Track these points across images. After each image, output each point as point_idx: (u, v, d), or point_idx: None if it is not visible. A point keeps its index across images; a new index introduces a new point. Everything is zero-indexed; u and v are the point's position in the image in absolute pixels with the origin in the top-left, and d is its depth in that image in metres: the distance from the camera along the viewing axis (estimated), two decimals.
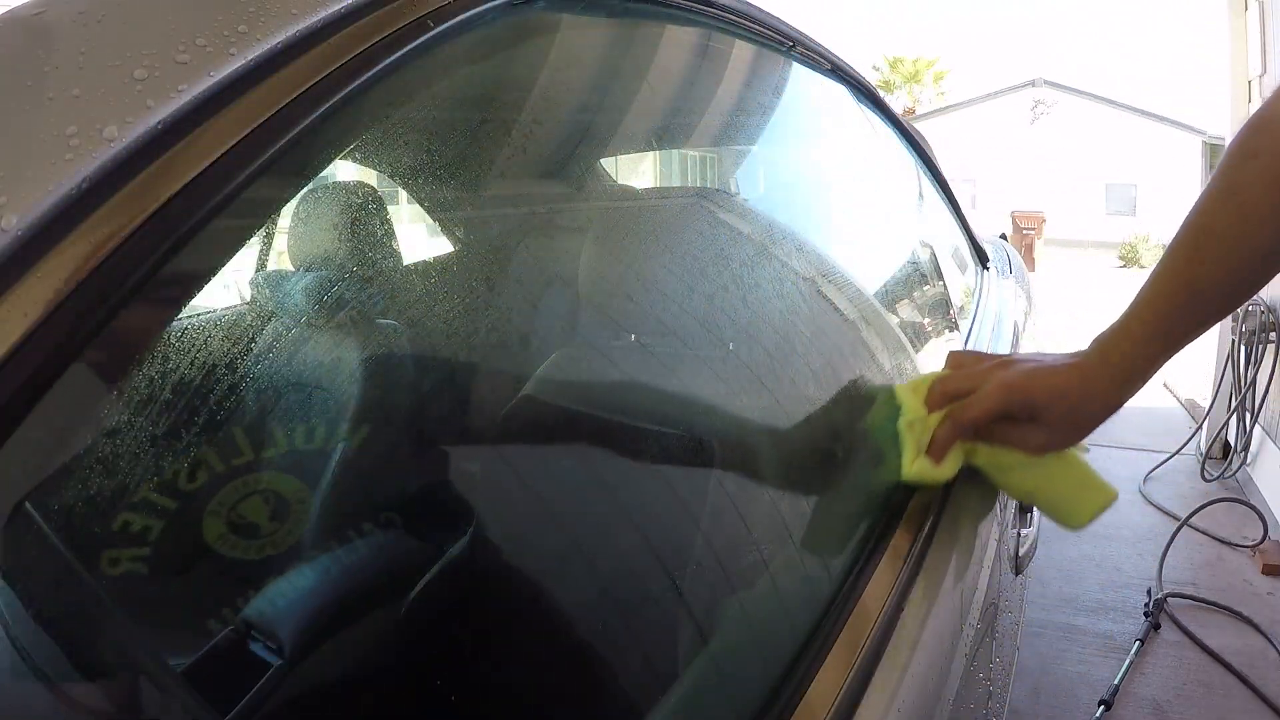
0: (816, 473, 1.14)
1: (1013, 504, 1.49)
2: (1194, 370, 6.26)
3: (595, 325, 1.10)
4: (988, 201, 25.95)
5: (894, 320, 1.57)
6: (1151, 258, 21.37)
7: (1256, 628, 3.15)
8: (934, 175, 2.31)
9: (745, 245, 1.31)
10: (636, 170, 1.53)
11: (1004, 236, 4.01)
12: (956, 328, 1.75)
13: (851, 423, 1.25)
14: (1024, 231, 19.57)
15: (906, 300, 1.66)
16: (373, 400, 0.92)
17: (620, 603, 0.86)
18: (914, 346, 1.57)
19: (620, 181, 1.41)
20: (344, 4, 0.64)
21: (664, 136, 1.44)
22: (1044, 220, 20.17)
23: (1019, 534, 1.46)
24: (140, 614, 0.66)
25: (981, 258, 2.59)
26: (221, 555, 0.75)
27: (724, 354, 1.12)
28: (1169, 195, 24.61)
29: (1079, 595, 3.49)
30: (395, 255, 1.04)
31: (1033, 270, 17.73)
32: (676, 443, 0.98)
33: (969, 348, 1.74)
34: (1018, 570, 1.44)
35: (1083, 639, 3.19)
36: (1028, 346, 2.32)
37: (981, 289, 2.31)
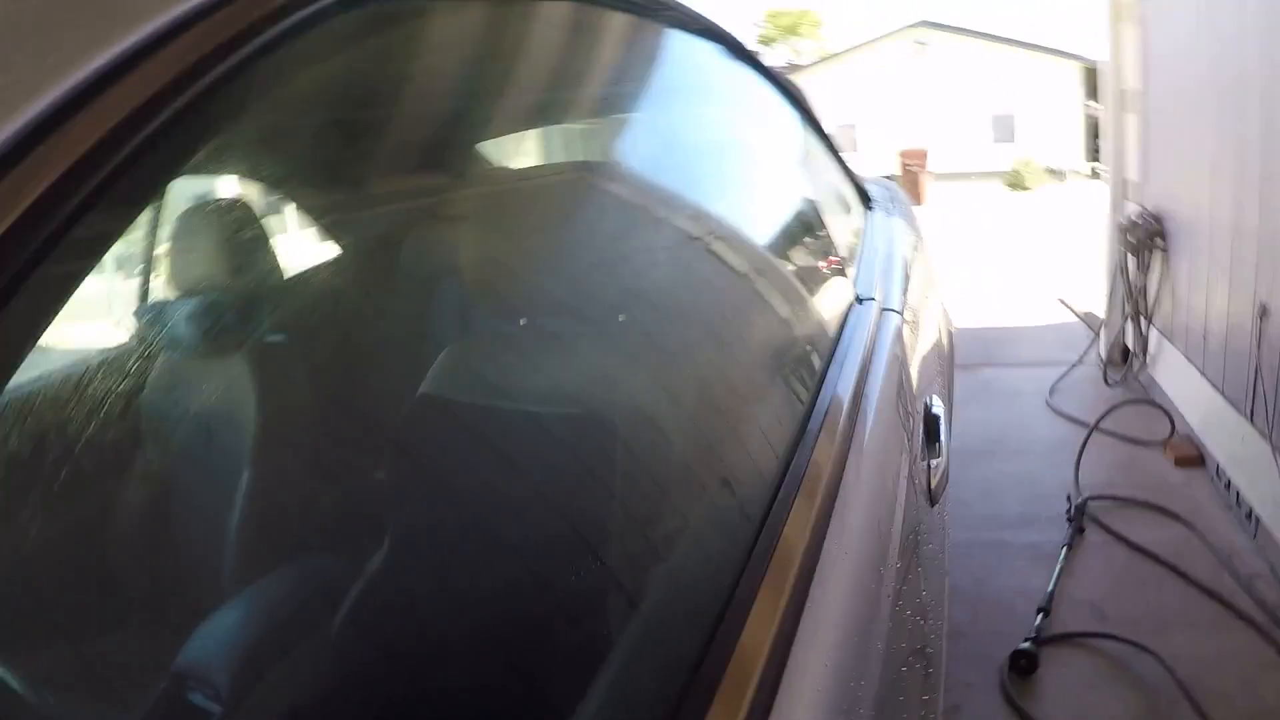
0: (724, 425, 1.15)
1: (919, 435, 1.52)
2: (1084, 286, 6.44)
3: (486, 313, 1.09)
4: (872, 143, 26.26)
5: (783, 270, 1.59)
6: (1035, 180, 21.91)
7: (1177, 517, 3.26)
8: (812, 125, 2.33)
9: (629, 214, 1.30)
10: (514, 152, 1.51)
11: (890, 177, 4.08)
12: (844, 273, 1.78)
13: (751, 374, 1.27)
14: (909, 169, 19.86)
15: (792, 249, 1.68)
16: (273, 421, 0.89)
17: (547, 586, 0.86)
18: (806, 292, 1.59)
19: (497, 165, 1.39)
20: (181, 10, 0.62)
21: (535, 115, 1.42)
22: (927, 154, 20.50)
23: (929, 465, 1.49)
24: (60, 686, 0.63)
25: (865, 199, 2.63)
26: (139, 608, 0.71)
27: (616, 326, 1.12)
28: (1050, 119, 25.40)
29: (1001, 512, 3.56)
30: (277, 270, 1.00)
31: (921, 203, 18.02)
32: (580, 420, 0.99)
33: (859, 288, 1.77)
34: (933, 501, 1.47)
35: (1012, 552, 3.26)
36: (919, 277, 2.37)
37: (867, 230, 2.35)
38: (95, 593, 0.69)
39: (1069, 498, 3.47)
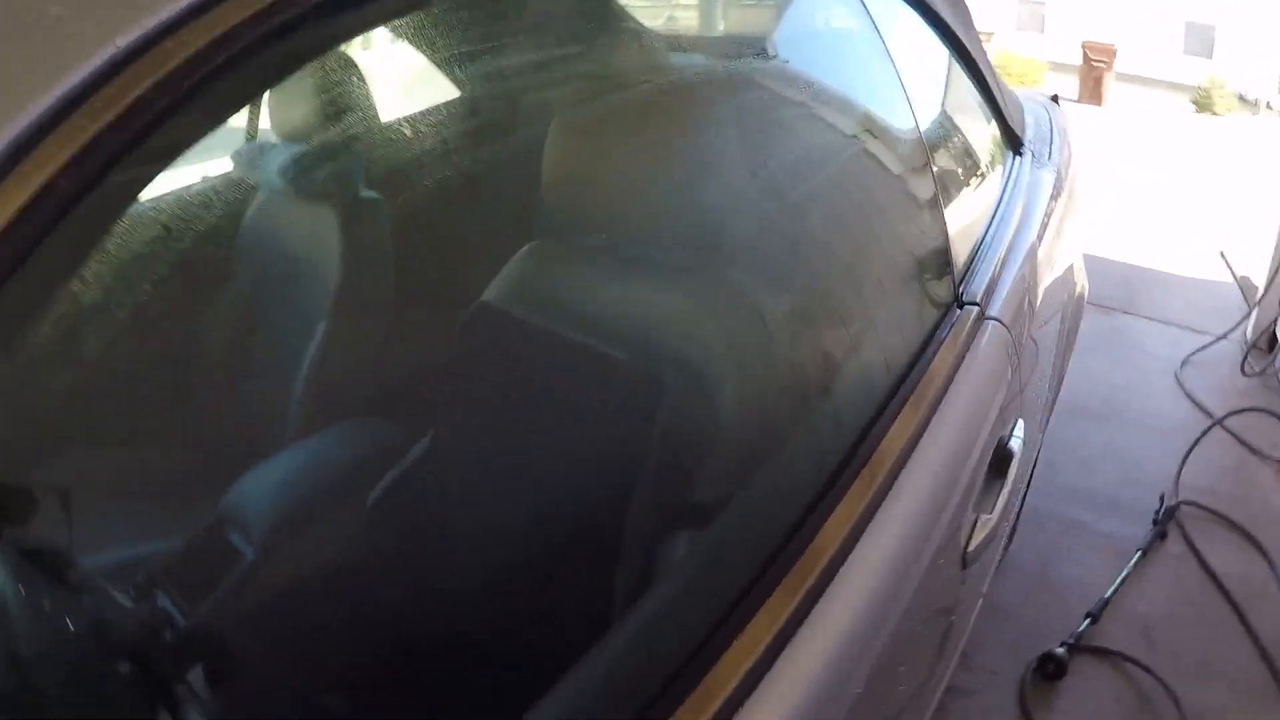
0: (791, 400, 1.10)
1: (983, 472, 1.29)
2: (1252, 243, 5.88)
3: (577, 220, 1.01)
4: (1057, 26, 24.75)
5: (873, 246, 1.37)
6: (1225, 105, 20.32)
7: (1265, 555, 2.97)
8: (955, 45, 1.96)
9: (725, 142, 1.19)
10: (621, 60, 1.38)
11: (1055, 98, 3.64)
12: (950, 263, 1.47)
13: (829, 361, 1.18)
14: (1094, 64, 18.63)
15: (890, 224, 1.42)
16: (354, 279, 0.92)
17: (575, 521, 0.85)
18: (897, 286, 1.36)
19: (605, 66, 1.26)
20: None
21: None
22: (1115, 53, 19.17)
23: (976, 520, 1.26)
24: (123, 502, 0.67)
25: (1014, 143, 2.27)
26: (199, 443, 0.75)
27: (700, 260, 1.06)
28: (1250, 41, 23.30)
29: (1091, 489, 3.34)
30: (381, 132, 1.00)
31: (1101, 105, 16.97)
32: (634, 367, 0.96)
33: (966, 286, 1.48)
34: (965, 564, 1.25)
35: (1086, 538, 3.07)
36: (1050, 256, 2.04)
37: (1004, 192, 1.98)
38: (161, 407, 0.74)
39: (1162, 497, 3.21)
